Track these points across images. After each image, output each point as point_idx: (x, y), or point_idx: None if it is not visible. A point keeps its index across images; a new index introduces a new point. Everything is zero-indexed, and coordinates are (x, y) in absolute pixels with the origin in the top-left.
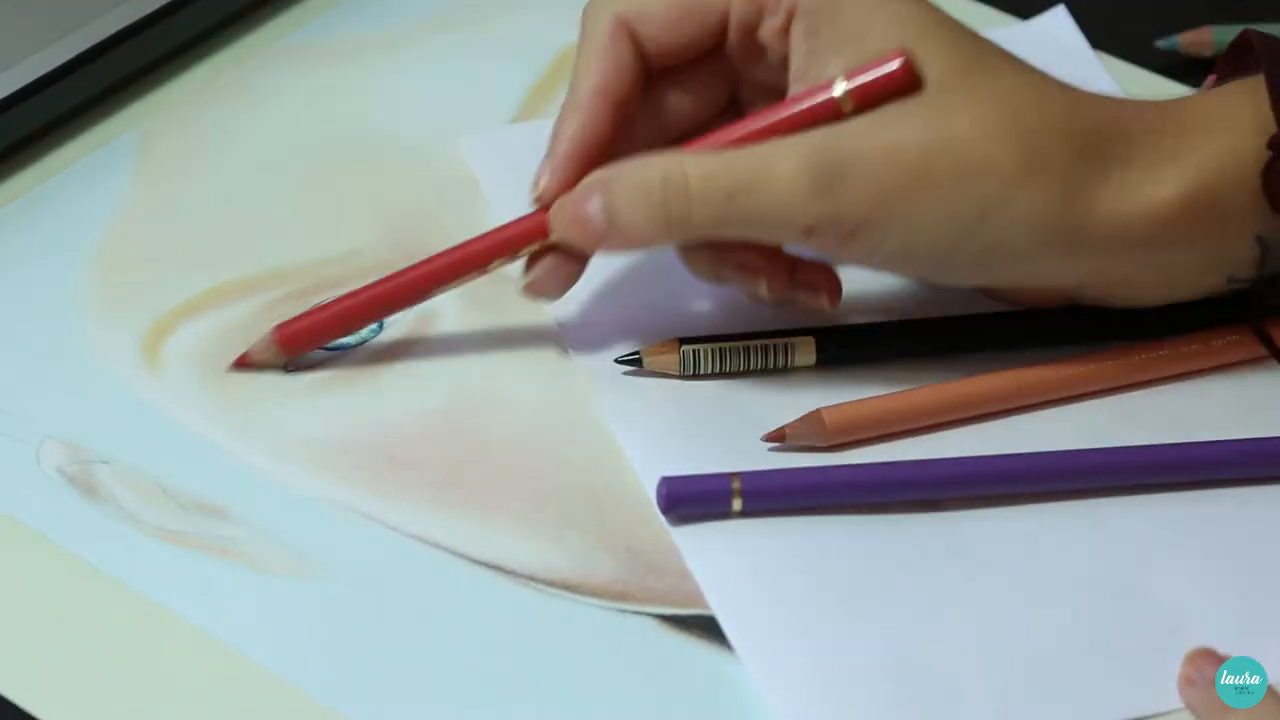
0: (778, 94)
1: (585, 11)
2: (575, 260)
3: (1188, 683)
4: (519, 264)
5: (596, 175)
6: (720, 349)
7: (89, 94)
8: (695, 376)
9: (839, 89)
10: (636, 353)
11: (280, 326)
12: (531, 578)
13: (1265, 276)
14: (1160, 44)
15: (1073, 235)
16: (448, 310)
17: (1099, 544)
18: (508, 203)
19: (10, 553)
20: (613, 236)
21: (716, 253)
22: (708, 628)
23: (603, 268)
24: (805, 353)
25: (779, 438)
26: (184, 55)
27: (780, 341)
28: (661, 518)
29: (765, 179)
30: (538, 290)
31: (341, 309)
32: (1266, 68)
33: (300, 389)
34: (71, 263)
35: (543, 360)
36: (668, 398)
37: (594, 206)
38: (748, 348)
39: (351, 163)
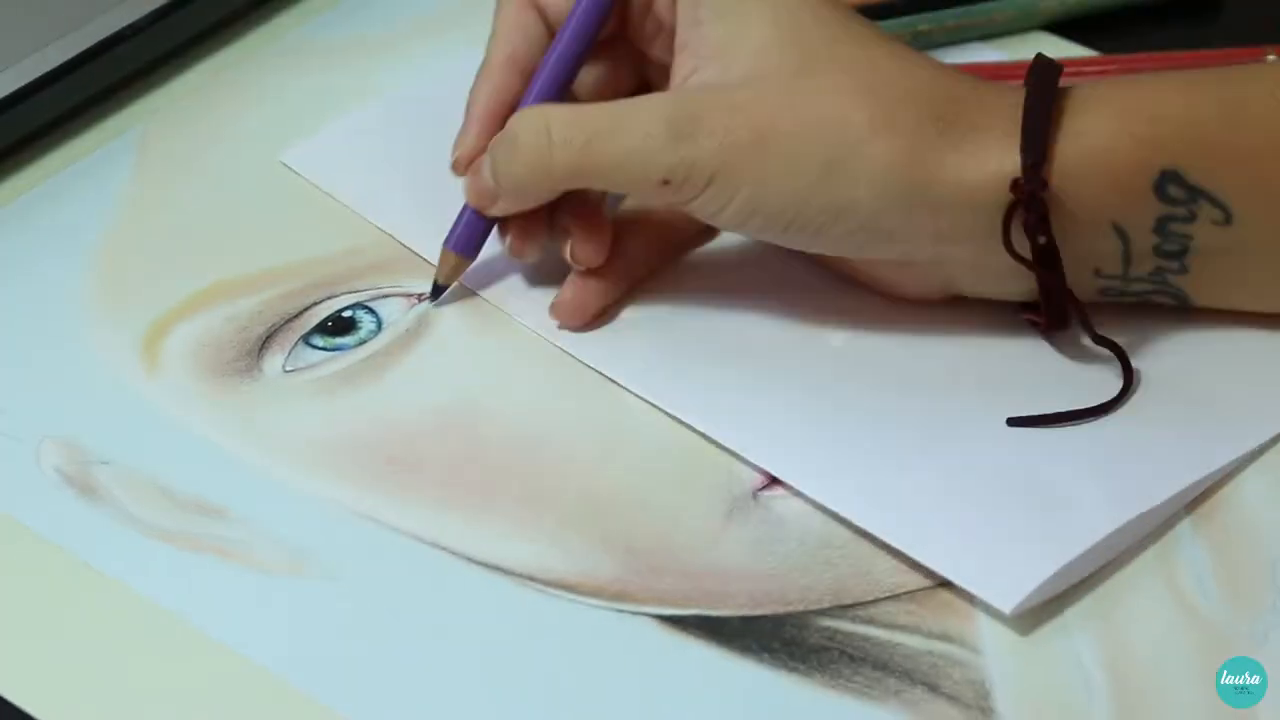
0: None
1: None
2: (521, 227)
3: None
4: None
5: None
6: None
7: (89, 94)
8: None
9: None
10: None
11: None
12: (531, 578)
13: (1132, 277)
14: None
15: (918, 192)
16: (447, 310)
17: None
18: (360, 196)
19: (9, 553)
20: (500, 191)
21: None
22: (708, 628)
23: None
24: None
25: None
26: (184, 55)
27: None
28: (663, 519)
29: (623, 127)
30: (514, 254)
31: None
32: (1026, 104)
33: (299, 389)
34: (71, 262)
35: (543, 360)
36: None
37: (484, 170)
38: None
39: None
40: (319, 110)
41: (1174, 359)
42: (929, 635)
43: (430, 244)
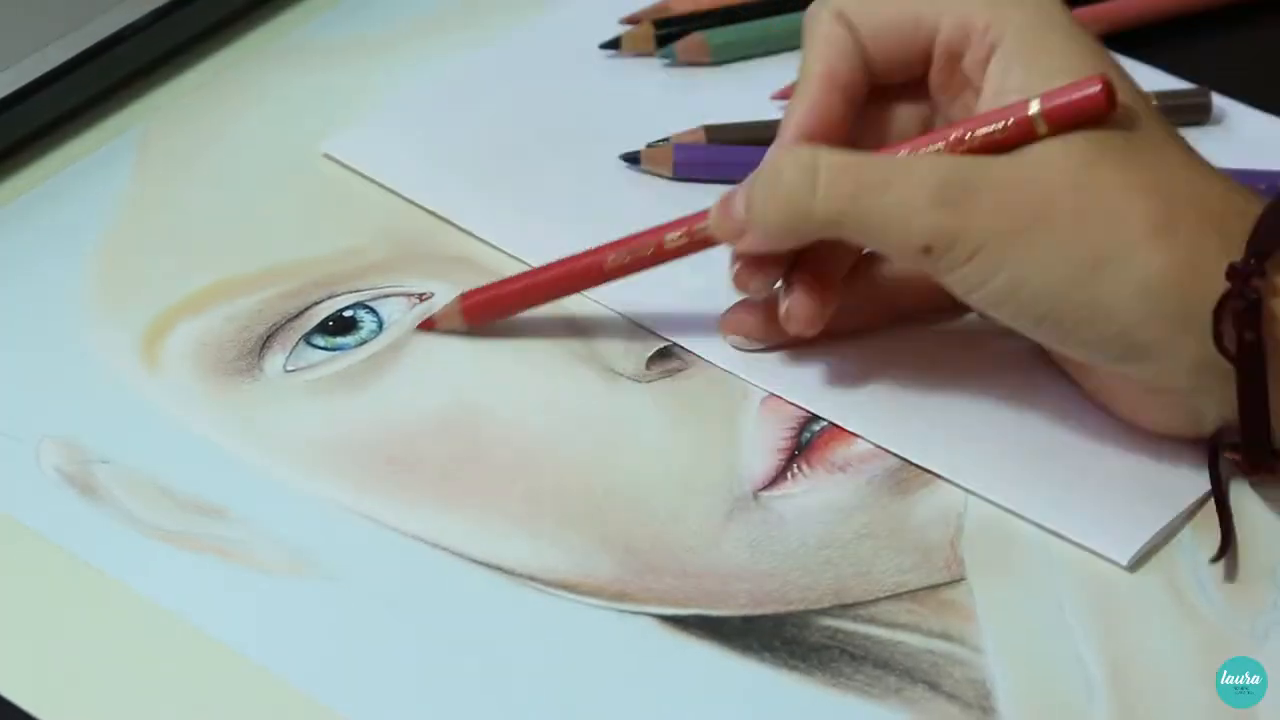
0: None
1: (808, 12)
2: (759, 262)
3: None
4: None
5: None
6: None
7: (89, 94)
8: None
9: (1034, 108)
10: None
11: (466, 296)
12: (531, 578)
13: None
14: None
15: (1187, 308)
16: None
17: None
18: (410, 182)
19: (9, 552)
20: (750, 226)
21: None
22: (708, 627)
23: None
24: None
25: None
26: (184, 55)
27: None
28: (663, 519)
29: (894, 183)
30: (737, 285)
31: (526, 285)
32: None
33: (300, 389)
34: (71, 262)
35: (543, 360)
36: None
37: (737, 200)
38: None
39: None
40: (319, 110)
41: None
42: (930, 634)
43: (484, 225)
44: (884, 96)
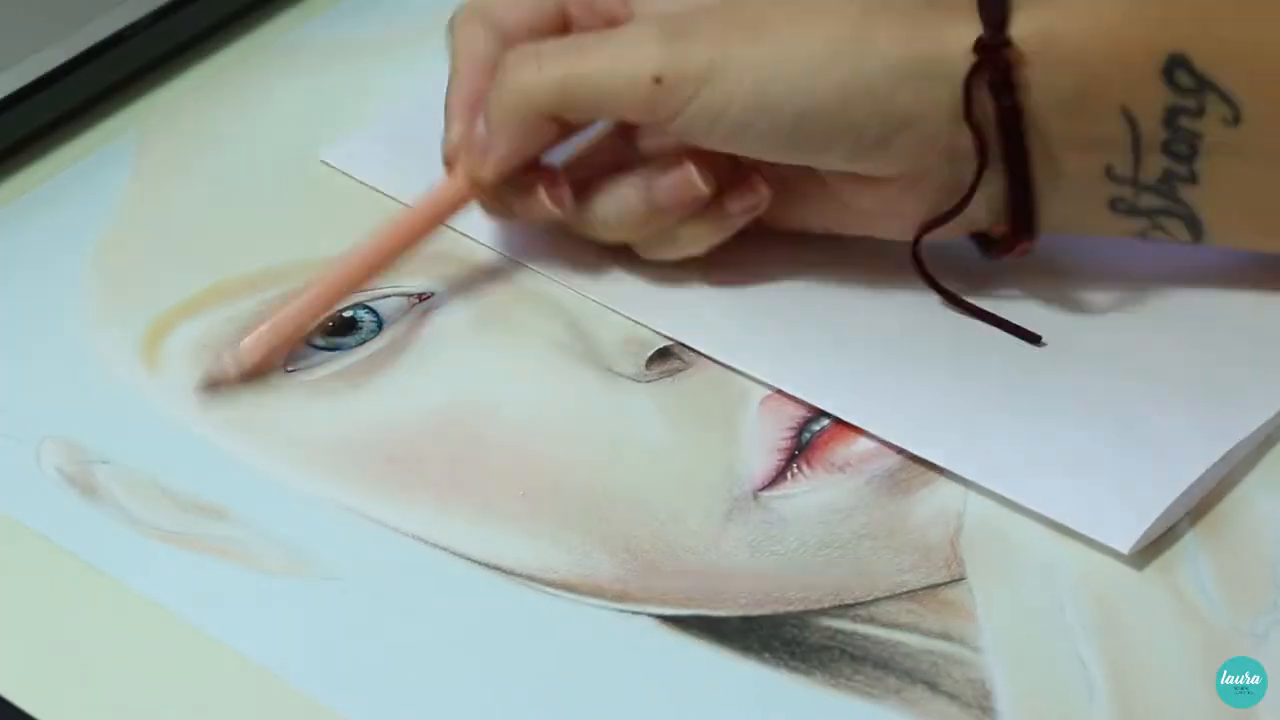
0: None
1: (448, 25)
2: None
3: None
4: None
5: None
6: None
7: (89, 94)
8: None
9: None
10: None
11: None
12: (531, 578)
13: (1143, 184)
14: None
15: (930, 63)
16: (447, 309)
17: None
18: (401, 185)
19: (9, 552)
20: (493, 138)
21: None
22: (708, 627)
23: None
24: None
25: (212, 385)
26: (184, 55)
27: None
28: (663, 519)
29: (612, 35)
30: (555, 202)
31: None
32: None
33: (300, 389)
34: (71, 262)
35: (542, 360)
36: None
37: (480, 126)
38: None
39: None
40: (319, 111)
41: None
42: (930, 634)
43: (482, 229)
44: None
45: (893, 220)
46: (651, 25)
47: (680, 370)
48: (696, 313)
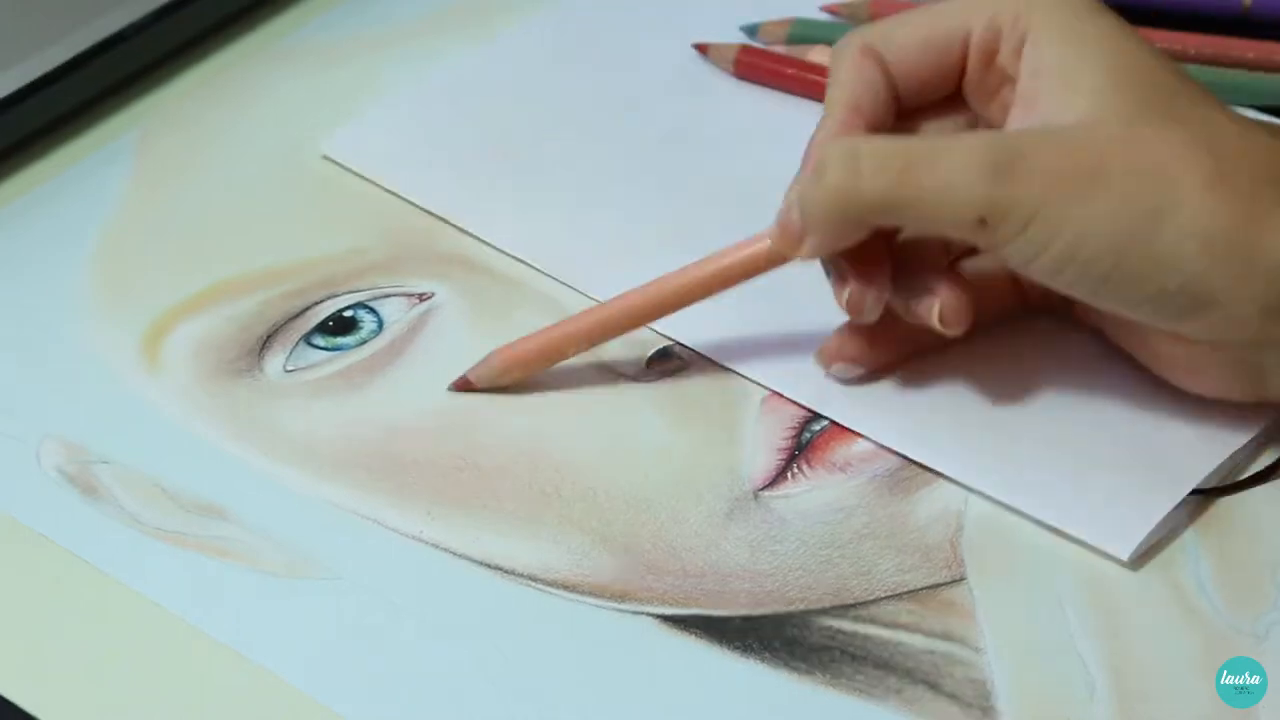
0: None
1: (835, 47)
2: (867, 279)
3: None
4: None
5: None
6: None
7: (89, 94)
8: None
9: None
10: None
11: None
12: (531, 578)
13: None
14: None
15: (1249, 253)
16: (448, 309)
17: None
18: (408, 183)
19: (10, 553)
20: (808, 231)
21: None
22: (708, 627)
23: None
24: None
25: (465, 386)
26: (184, 55)
27: None
28: (663, 518)
29: (941, 158)
30: (851, 311)
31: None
32: None
33: (300, 389)
34: (71, 262)
35: None
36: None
37: (792, 209)
38: None
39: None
40: (319, 110)
41: None
42: (930, 634)
43: (483, 225)
44: (911, 117)
45: (1193, 377)
46: (984, 151)
47: (680, 370)
48: (697, 312)
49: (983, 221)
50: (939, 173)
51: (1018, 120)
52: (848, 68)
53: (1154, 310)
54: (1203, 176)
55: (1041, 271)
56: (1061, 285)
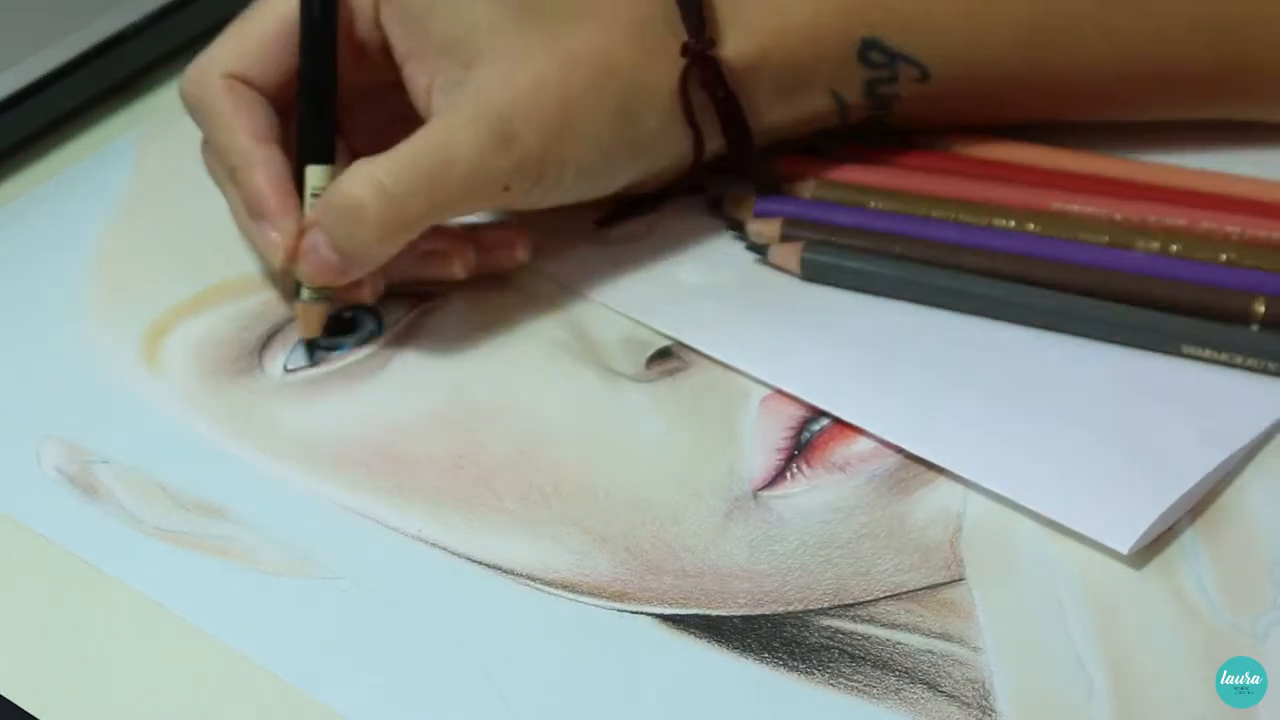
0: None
1: (185, 90)
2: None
3: None
4: None
5: (309, 218)
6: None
7: (89, 94)
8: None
9: None
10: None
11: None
12: (531, 577)
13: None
14: None
15: (652, 90)
16: (448, 309)
17: None
18: None
19: (9, 552)
20: (352, 265)
21: (407, 256)
22: (708, 627)
23: None
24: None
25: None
26: (184, 55)
27: None
28: (663, 518)
29: (454, 153)
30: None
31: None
32: None
33: (300, 388)
34: (71, 262)
35: (542, 360)
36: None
37: (322, 249)
38: None
39: None
40: None
41: None
42: (929, 634)
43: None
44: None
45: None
46: (483, 130)
47: (680, 370)
48: (696, 313)
49: (508, 187)
50: (459, 169)
51: (421, 73)
52: (226, 109)
53: (639, 173)
54: (631, 56)
55: (562, 199)
56: (576, 198)
